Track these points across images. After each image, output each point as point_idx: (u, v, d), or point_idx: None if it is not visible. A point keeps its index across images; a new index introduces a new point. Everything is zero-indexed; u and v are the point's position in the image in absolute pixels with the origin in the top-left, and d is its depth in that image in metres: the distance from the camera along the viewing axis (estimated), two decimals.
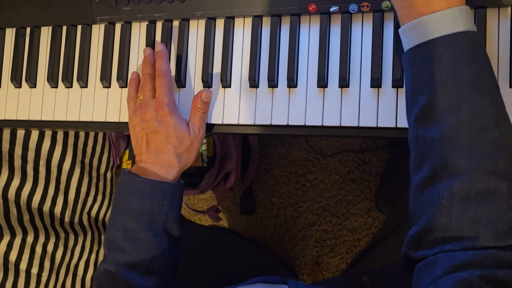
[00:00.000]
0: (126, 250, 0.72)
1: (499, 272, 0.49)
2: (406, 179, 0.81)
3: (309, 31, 0.76)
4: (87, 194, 1.26)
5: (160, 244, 0.73)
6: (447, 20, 0.56)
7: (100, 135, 1.28)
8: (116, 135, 1.32)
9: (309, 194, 1.50)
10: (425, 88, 0.55)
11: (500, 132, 0.53)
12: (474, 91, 0.53)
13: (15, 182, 1.05)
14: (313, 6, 0.74)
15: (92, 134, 1.25)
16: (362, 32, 0.74)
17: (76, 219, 1.24)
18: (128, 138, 1.34)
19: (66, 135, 1.17)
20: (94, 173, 1.28)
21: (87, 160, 1.25)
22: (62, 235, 1.17)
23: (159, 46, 0.80)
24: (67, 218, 1.20)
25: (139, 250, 0.72)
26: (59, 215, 1.17)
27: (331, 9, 0.74)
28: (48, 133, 1.12)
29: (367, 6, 0.72)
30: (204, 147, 1.30)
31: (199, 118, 0.77)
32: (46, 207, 1.14)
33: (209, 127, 0.80)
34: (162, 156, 0.75)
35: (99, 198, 1.31)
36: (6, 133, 1.03)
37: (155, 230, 0.73)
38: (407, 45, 0.60)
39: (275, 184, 1.54)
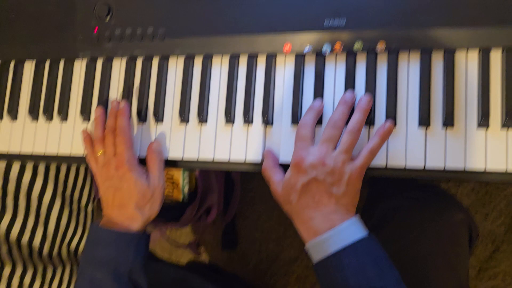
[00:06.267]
0: None
1: None
2: (384, 216, 0.82)
3: (284, 70, 0.78)
4: (67, 227, 1.26)
5: None
6: (347, 232, 0.66)
7: (82, 168, 1.29)
8: None
9: (292, 230, 1.50)
10: None
11: None
12: (380, 283, 0.63)
13: None
14: (288, 46, 0.76)
15: (74, 167, 1.25)
16: (335, 72, 0.76)
17: (55, 251, 1.23)
18: None
19: (47, 168, 1.17)
20: (75, 206, 1.28)
21: (68, 193, 1.25)
22: (40, 267, 1.16)
23: (122, 103, 0.83)
24: (45, 250, 1.19)
25: None
26: (37, 247, 1.17)
27: (305, 50, 0.76)
28: (29, 165, 1.12)
29: (340, 46, 0.74)
30: (185, 181, 1.31)
31: (157, 168, 0.80)
32: (25, 239, 1.13)
33: (185, 163, 0.81)
34: (124, 211, 0.78)
35: (79, 230, 1.31)
36: None
37: (121, 280, 0.75)
38: (315, 258, 0.68)
39: (258, 219, 1.54)
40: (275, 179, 0.73)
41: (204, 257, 1.58)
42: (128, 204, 0.78)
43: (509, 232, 1.31)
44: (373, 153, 0.69)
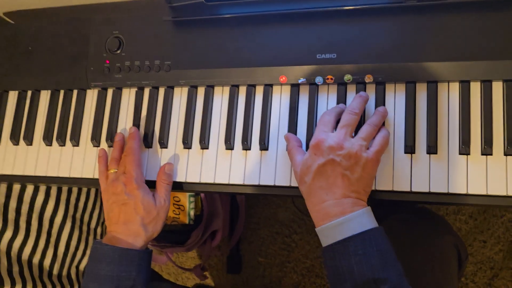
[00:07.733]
0: None
1: None
2: None
3: (280, 100, 0.84)
4: (77, 248, 1.30)
5: None
6: (357, 221, 0.67)
7: (92, 191, 1.34)
8: None
9: (295, 255, 1.54)
10: (347, 278, 0.65)
11: None
12: (383, 274, 0.64)
13: (8, 234, 1.10)
14: (284, 78, 0.82)
15: (84, 190, 1.30)
16: (327, 101, 0.81)
17: (65, 272, 1.27)
18: None
19: (59, 190, 1.22)
20: (84, 228, 1.33)
21: (78, 215, 1.30)
22: (49, 287, 1.20)
23: (131, 128, 0.89)
24: (55, 271, 1.24)
25: None
26: (48, 268, 1.21)
27: (300, 81, 0.82)
28: (42, 188, 1.17)
29: (331, 78, 0.80)
30: (191, 205, 1.35)
31: (164, 190, 0.85)
32: (36, 259, 1.18)
33: (188, 185, 0.86)
34: (130, 226, 0.81)
35: (88, 252, 1.35)
36: (3, 187, 1.09)
37: None
38: (325, 242, 0.69)
39: (262, 244, 1.57)
40: (296, 159, 0.75)
41: (209, 281, 1.61)
42: (134, 220, 0.81)
43: (508, 259, 1.33)
44: (386, 139, 0.73)
